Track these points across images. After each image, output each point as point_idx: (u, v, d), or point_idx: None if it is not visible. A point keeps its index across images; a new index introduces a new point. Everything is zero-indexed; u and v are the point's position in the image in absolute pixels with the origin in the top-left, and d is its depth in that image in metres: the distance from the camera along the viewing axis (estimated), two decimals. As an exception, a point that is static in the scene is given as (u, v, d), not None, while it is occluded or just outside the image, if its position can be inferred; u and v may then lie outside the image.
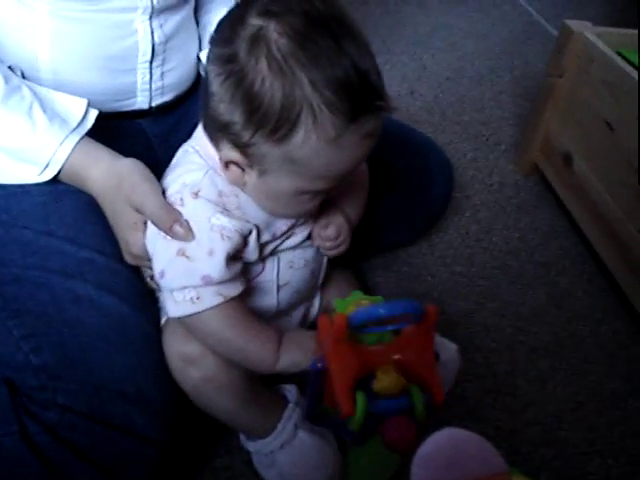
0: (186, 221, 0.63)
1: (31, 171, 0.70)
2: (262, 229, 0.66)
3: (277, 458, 0.73)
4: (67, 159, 0.69)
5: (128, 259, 0.71)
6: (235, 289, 0.65)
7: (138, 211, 0.67)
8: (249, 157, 0.60)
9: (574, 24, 1.22)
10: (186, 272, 0.63)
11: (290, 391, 0.77)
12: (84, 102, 0.71)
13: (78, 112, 0.71)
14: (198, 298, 0.63)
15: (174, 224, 0.63)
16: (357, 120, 0.55)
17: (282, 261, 0.71)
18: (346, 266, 0.87)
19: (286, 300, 0.74)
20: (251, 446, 0.75)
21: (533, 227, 1.24)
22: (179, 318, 0.66)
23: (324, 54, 0.53)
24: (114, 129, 0.79)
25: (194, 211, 0.64)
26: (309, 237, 0.72)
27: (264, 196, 0.63)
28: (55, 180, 0.71)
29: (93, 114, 0.72)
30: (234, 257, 0.64)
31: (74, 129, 0.70)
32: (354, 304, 0.62)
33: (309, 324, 0.82)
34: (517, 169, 1.40)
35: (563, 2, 2.26)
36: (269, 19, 0.54)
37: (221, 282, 0.63)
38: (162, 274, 0.65)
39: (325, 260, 0.77)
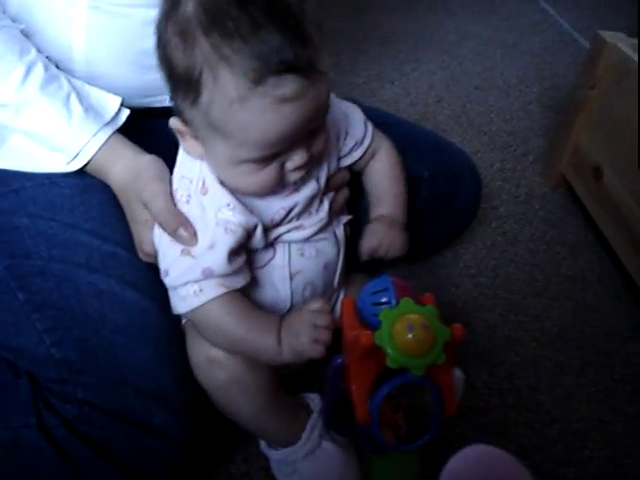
0: (191, 225, 0.63)
1: (60, 160, 0.70)
2: (257, 214, 0.65)
3: (300, 467, 0.72)
4: (97, 152, 0.69)
5: (142, 256, 0.71)
6: (238, 282, 0.65)
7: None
8: (186, 124, 0.61)
9: (607, 35, 1.20)
10: (189, 269, 0.62)
11: (313, 400, 0.76)
12: (118, 99, 0.73)
13: (112, 107, 0.72)
14: (201, 290, 0.63)
15: (179, 228, 0.63)
16: (264, 82, 0.53)
17: (293, 249, 0.70)
18: (369, 271, 0.86)
19: (300, 292, 0.72)
20: (273, 454, 0.74)
21: (560, 240, 1.22)
22: (185, 315, 0.66)
23: (226, 17, 0.52)
24: (142, 126, 0.78)
25: (201, 207, 0.64)
26: (320, 232, 0.71)
27: (216, 168, 0.63)
28: (82, 173, 0.72)
29: (125, 112, 0.73)
30: (237, 251, 0.64)
31: (107, 123, 0.71)
32: (402, 320, 0.57)
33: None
34: (544, 181, 1.37)
35: (594, 14, 2.23)
36: None
37: (223, 275, 0.63)
38: (166, 273, 0.64)
39: (341, 258, 0.76)
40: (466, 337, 0.58)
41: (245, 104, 0.54)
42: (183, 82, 0.56)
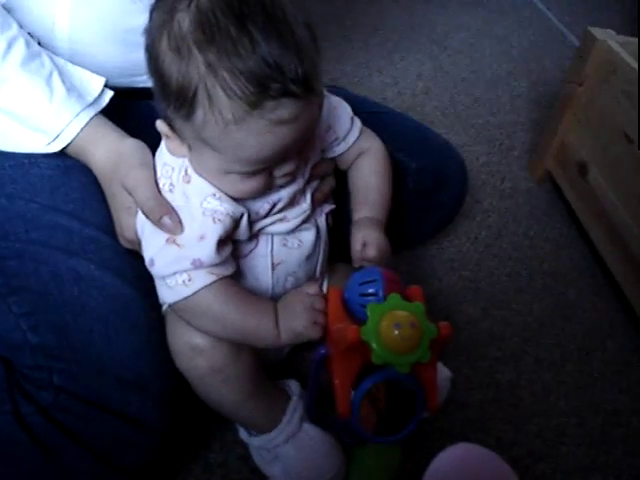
0: (176, 213, 0.62)
1: (40, 140, 0.68)
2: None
3: (281, 452, 0.71)
4: (78, 133, 0.68)
5: (122, 242, 0.70)
6: (226, 269, 0.64)
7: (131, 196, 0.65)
8: (174, 130, 0.59)
9: (597, 32, 1.20)
10: (176, 259, 0.61)
11: (290, 386, 0.75)
12: (102, 80, 0.71)
13: (96, 88, 0.70)
14: (190, 280, 0.62)
15: (164, 216, 0.62)
16: (260, 106, 0.52)
17: (275, 239, 0.70)
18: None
19: (281, 283, 0.72)
20: (254, 441, 0.73)
21: (543, 235, 1.22)
22: (174, 304, 0.64)
23: (223, 35, 0.50)
24: (125, 107, 0.77)
25: (185, 197, 0.62)
26: (303, 223, 0.71)
27: (202, 173, 0.62)
28: (63, 154, 0.70)
29: (109, 94, 0.71)
30: (224, 241, 0.63)
31: (90, 104, 0.69)
32: (389, 316, 0.56)
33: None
34: (530, 176, 1.37)
35: (583, 10, 2.24)
36: None
37: (212, 265, 0.62)
38: (152, 262, 0.63)
39: (323, 247, 0.75)
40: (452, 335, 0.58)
41: (241, 125, 0.53)
42: (176, 97, 0.54)
